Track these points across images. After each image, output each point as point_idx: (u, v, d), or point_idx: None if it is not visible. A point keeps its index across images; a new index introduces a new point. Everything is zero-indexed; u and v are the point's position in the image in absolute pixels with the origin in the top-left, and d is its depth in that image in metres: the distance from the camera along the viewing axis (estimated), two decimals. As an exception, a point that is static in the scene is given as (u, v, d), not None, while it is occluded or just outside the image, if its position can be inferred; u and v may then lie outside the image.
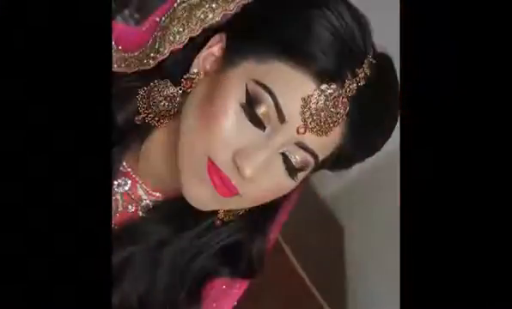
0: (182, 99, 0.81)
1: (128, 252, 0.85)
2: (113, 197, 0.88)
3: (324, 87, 0.74)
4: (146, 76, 0.83)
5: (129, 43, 0.88)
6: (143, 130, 0.85)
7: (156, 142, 0.86)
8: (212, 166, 0.76)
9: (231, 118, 0.75)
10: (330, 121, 0.74)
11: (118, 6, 1.93)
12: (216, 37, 0.81)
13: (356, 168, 0.85)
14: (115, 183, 0.88)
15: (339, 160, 0.81)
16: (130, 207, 0.89)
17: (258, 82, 0.74)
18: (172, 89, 0.82)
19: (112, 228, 0.86)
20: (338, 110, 0.74)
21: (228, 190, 0.77)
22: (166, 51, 0.82)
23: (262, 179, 0.76)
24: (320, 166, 0.81)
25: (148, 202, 0.89)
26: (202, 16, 0.81)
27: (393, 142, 0.80)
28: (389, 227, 1.49)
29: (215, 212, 0.85)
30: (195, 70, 0.81)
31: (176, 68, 0.82)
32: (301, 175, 0.78)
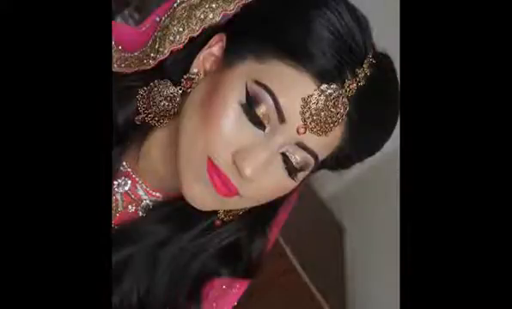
0: (182, 99, 0.81)
1: (128, 252, 0.85)
2: (113, 197, 0.88)
3: (324, 87, 0.74)
4: (146, 76, 0.83)
5: (129, 43, 0.88)
6: (143, 130, 0.85)
7: (156, 142, 0.86)
8: (212, 166, 0.76)
9: (231, 118, 0.75)
10: (330, 121, 0.74)
11: (118, 6, 1.93)
12: (216, 37, 0.81)
13: (356, 168, 0.85)
14: (115, 183, 0.88)
15: (339, 159, 0.81)
16: (130, 207, 0.89)
17: (258, 82, 0.74)
18: (172, 89, 0.82)
19: (112, 228, 0.86)
20: (338, 110, 0.74)
21: (228, 190, 0.77)
22: (166, 51, 0.82)
23: (262, 179, 0.76)
24: (320, 166, 0.81)
25: (148, 202, 0.89)
26: (202, 16, 0.81)
27: (393, 142, 0.80)
28: (389, 227, 1.49)
29: (215, 212, 0.85)
30: (195, 70, 0.81)
31: (176, 68, 0.82)
32: (301, 175, 0.78)
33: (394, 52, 0.79)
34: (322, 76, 0.74)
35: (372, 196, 2.13)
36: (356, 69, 0.75)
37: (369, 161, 0.84)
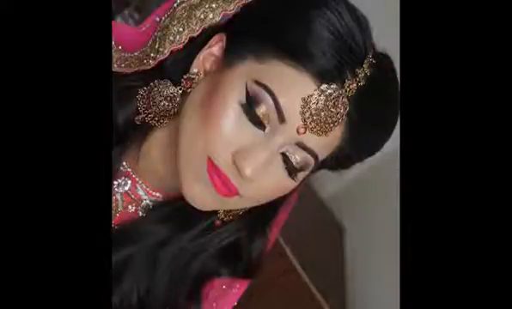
0: (182, 99, 0.81)
1: (128, 252, 0.85)
2: (113, 197, 0.88)
3: (324, 87, 0.74)
4: (146, 76, 0.83)
5: (129, 43, 0.88)
6: (143, 130, 0.85)
7: (156, 142, 0.86)
8: (212, 166, 0.76)
9: (231, 118, 0.75)
10: (330, 121, 0.75)
11: (118, 6, 1.93)
12: (216, 37, 0.81)
13: (356, 168, 0.85)
14: (115, 183, 0.88)
15: (339, 159, 0.81)
16: (130, 207, 0.89)
17: (258, 82, 0.74)
18: (172, 89, 0.82)
19: (112, 228, 0.86)
20: (338, 110, 0.74)
21: (228, 190, 0.77)
22: (166, 51, 0.82)
23: (262, 179, 0.76)
24: (320, 166, 0.81)
25: (148, 202, 0.89)
26: (202, 16, 0.81)
27: (393, 142, 0.80)
28: (389, 227, 1.49)
29: (215, 212, 0.85)
30: (195, 70, 0.81)
31: (176, 68, 0.82)
32: (301, 175, 0.78)
33: (394, 52, 0.79)
34: (322, 76, 0.74)
35: (372, 196, 2.13)
36: (356, 69, 0.75)
37: (369, 161, 0.84)
